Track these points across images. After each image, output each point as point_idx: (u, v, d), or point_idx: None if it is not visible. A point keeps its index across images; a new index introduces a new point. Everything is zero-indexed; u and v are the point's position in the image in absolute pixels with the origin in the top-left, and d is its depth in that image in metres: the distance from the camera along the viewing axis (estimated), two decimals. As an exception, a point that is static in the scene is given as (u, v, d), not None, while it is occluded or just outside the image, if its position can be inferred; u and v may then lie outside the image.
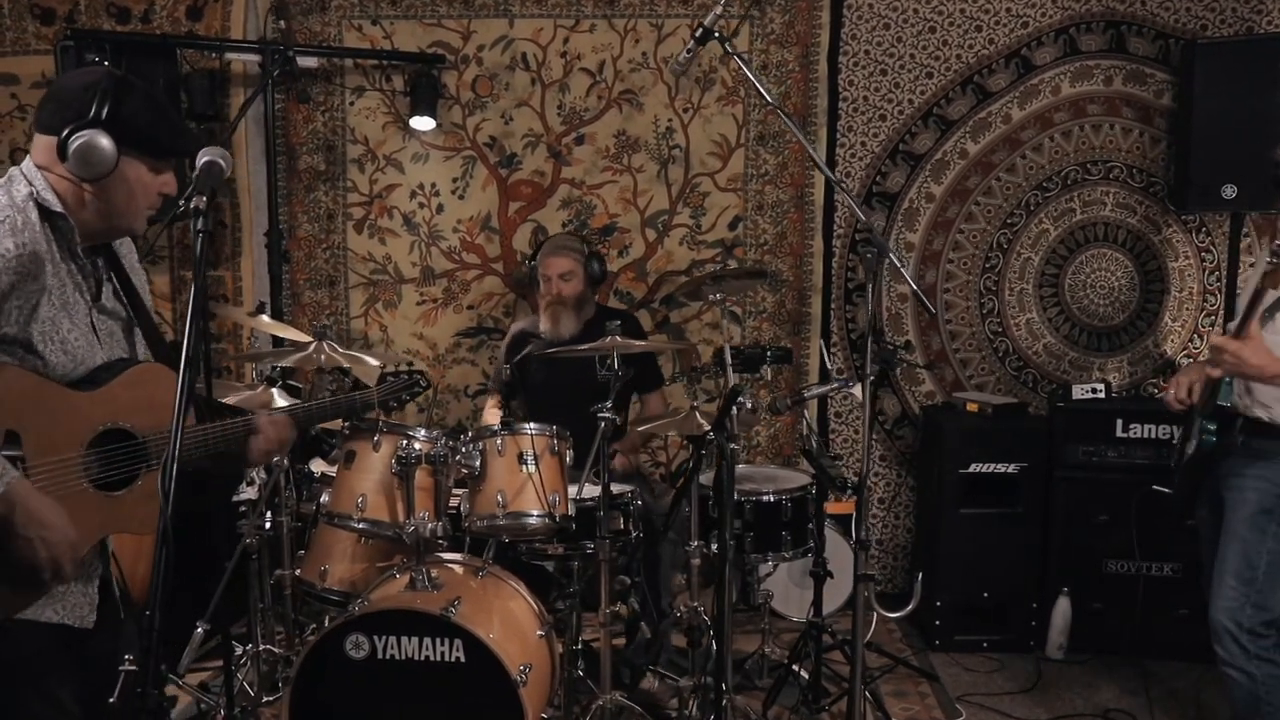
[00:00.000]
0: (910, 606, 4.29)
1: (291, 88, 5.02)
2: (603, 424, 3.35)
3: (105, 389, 2.21)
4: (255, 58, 4.80)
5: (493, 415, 4.46)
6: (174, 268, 5.21)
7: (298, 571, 3.84)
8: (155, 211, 2.31)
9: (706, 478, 3.86)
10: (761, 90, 3.23)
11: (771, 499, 4.01)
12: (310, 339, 3.64)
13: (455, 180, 5.13)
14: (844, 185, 3.67)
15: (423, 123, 4.98)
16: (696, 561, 3.83)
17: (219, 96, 5.04)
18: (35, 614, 2.19)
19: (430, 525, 3.37)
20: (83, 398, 2.19)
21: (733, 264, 5.07)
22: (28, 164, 2.21)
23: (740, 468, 4.13)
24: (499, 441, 3.48)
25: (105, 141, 2.13)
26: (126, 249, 2.44)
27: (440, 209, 5.15)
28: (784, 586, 4.76)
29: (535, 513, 3.44)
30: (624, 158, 5.10)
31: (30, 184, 2.18)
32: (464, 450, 3.48)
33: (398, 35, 5.02)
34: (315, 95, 5.08)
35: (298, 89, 4.94)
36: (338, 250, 5.19)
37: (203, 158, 2.11)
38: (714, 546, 3.88)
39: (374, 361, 3.91)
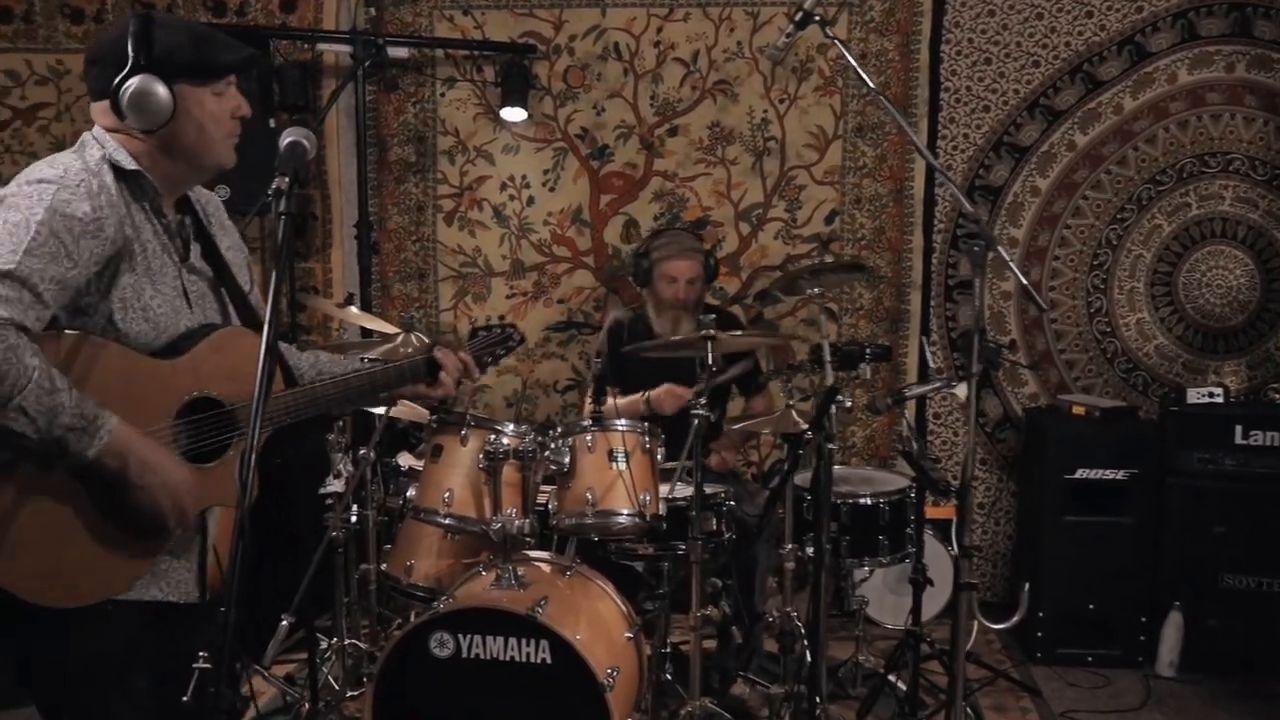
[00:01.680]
0: (1016, 618, 4.10)
1: (382, 78, 4.98)
2: (696, 421, 3.24)
3: (189, 356, 2.14)
4: (346, 48, 4.76)
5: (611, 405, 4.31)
6: (265, 259, 5.20)
7: (383, 566, 3.80)
8: (237, 138, 2.21)
9: (802, 479, 3.73)
10: (863, 75, 3.09)
11: (869, 502, 3.87)
12: (398, 331, 3.58)
13: (546, 172, 5.05)
14: (948, 175, 3.51)
15: (514, 114, 4.91)
16: (791, 565, 3.71)
17: (311, 88, 5.03)
18: (139, 593, 2.13)
19: (517, 522, 3.29)
20: (166, 366, 2.12)
21: (829, 259, 4.93)
22: (97, 129, 2.14)
23: (836, 469, 3.98)
24: (589, 438, 3.38)
25: (153, 83, 2.04)
26: (214, 206, 2.36)
27: (531, 201, 5.08)
28: (878, 592, 4.60)
29: (625, 512, 3.34)
30: (718, 150, 4.98)
31: (102, 146, 2.10)
32: (553, 446, 3.40)
33: (489, 25, 4.96)
34: (406, 86, 5.04)
35: (386, 77, 4.89)
36: (427, 243, 5.14)
37: (286, 138, 2.03)
38: (809, 550, 3.76)
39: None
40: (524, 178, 5.06)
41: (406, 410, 3.85)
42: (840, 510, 3.82)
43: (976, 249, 2.95)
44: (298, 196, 5.12)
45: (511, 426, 3.46)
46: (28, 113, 5.25)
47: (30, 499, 1.96)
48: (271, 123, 4.73)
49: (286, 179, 1.91)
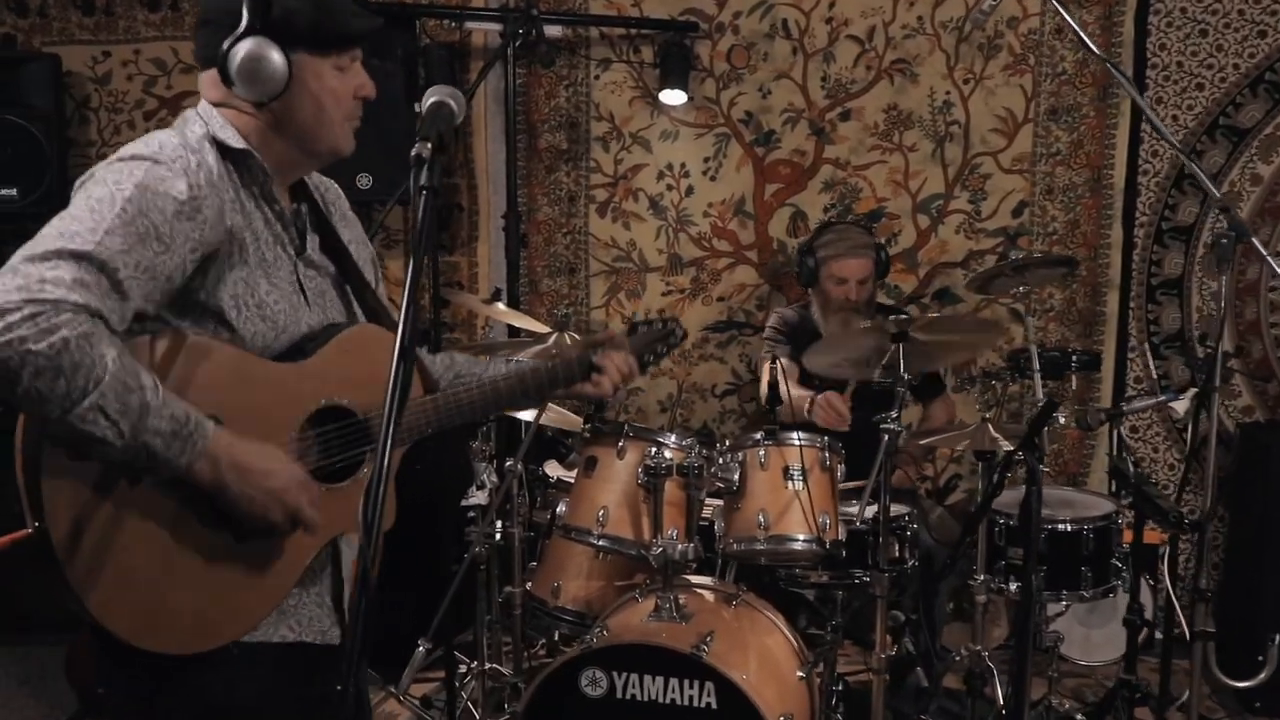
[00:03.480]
0: (1264, 675, 3.58)
1: (536, 55, 4.69)
2: (886, 437, 2.85)
3: (315, 359, 1.86)
4: (497, 27, 4.48)
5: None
6: (410, 251, 4.96)
7: (528, 585, 3.50)
8: (358, 121, 1.93)
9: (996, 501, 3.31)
10: (1084, 38, 2.67)
11: (1069, 528, 3.43)
12: (549, 329, 3.26)
13: (707, 160, 4.70)
14: (1191, 159, 3.03)
15: (673, 97, 4.57)
16: (982, 599, 3.30)
17: (460, 72, 4.79)
18: (267, 633, 1.87)
19: (680, 547, 2.95)
20: (290, 370, 1.84)
21: (1016, 255, 4.46)
22: (202, 104, 1.87)
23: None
24: (761, 453, 3.02)
25: (268, 48, 1.77)
26: (334, 195, 2.09)
27: (690, 191, 4.73)
28: (1065, 623, 4.13)
29: (801, 537, 2.97)
30: (894, 135, 4.56)
31: (205, 123, 1.83)
32: (721, 461, 3.05)
33: (647, 2, 4.63)
34: (558, 68, 4.74)
35: (541, 51, 4.58)
36: (579, 235, 4.84)
37: (429, 98, 1.72)
38: (1000, 581, 3.36)
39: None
40: (683, 166, 4.72)
41: (556, 418, 3.55)
42: (1036, 536, 3.37)
43: (1224, 241, 2.52)
44: (441, 179, 4.90)
45: (674, 438, 3.12)
46: (174, 101, 5.13)
47: (129, 522, 1.69)
48: (416, 107, 4.47)
49: (429, 145, 1.59)
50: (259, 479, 1.73)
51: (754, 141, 4.66)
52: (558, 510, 3.32)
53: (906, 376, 2.92)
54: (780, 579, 3.35)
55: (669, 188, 4.74)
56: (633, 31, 4.65)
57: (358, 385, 1.90)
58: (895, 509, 3.32)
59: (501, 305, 3.91)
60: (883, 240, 4.48)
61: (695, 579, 3.22)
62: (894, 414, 2.86)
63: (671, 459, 3.00)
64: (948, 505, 4.45)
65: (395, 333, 1.88)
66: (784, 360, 3.45)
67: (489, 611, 3.66)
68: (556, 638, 3.87)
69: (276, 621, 1.88)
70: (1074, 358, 3.33)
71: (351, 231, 2.09)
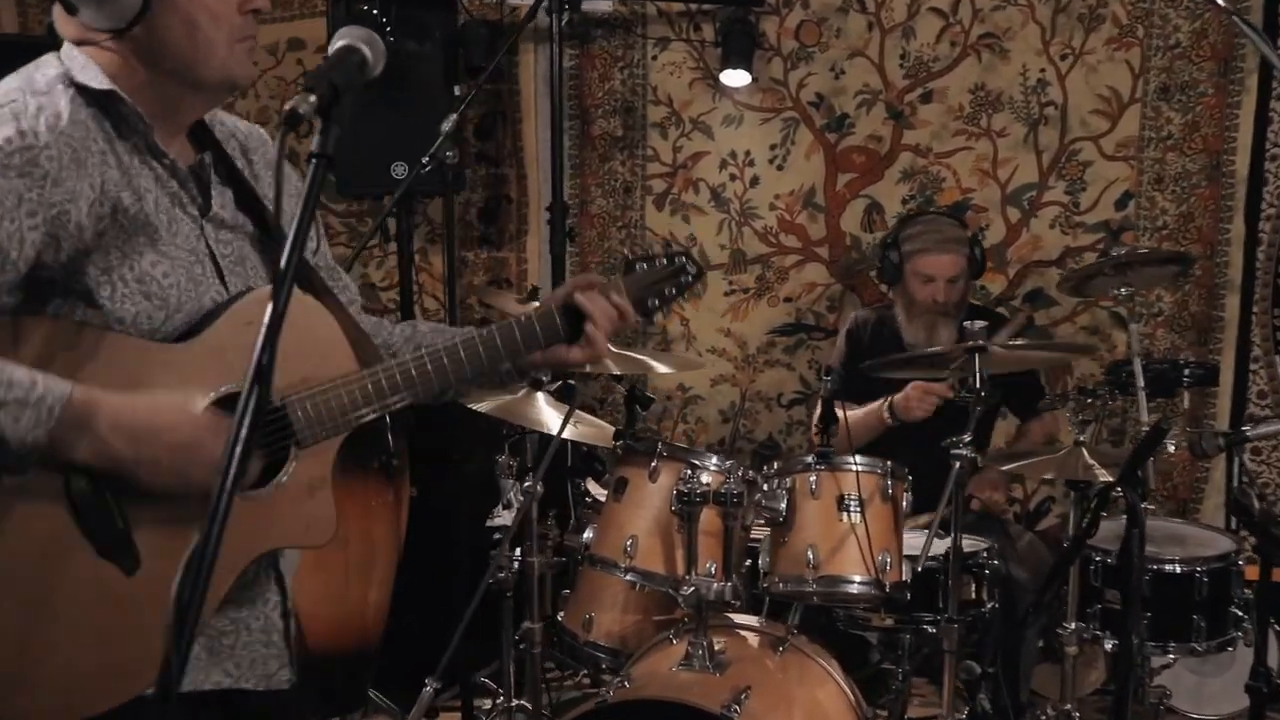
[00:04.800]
0: None
1: (585, 39, 4.33)
2: (958, 464, 2.42)
3: (207, 336, 1.52)
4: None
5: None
6: (452, 246, 4.63)
7: (560, 616, 3.14)
8: (250, 38, 1.57)
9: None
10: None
11: (1179, 570, 2.95)
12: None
13: (773, 147, 4.29)
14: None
15: (735, 78, 4.18)
16: (1073, 650, 2.85)
17: (508, 54, 4.45)
18: (194, 680, 1.55)
19: (715, 585, 2.56)
20: (177, 353, 1.50)
21: (1119, 252, 3.97)
22: (65, 45, 1.53)
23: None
24: (813, 479, 2.61)
25: None
26: (256, 140, 1.75)
27: (755, 181, 4.33)
28: (1175, 674, 3.64)
29: (857, 579, 2.57)
30: (981, 118, 4.10)
31: (62, 63, 1.49)
32: (766, 488, 2.65)
33: (709, -25, 4.24)
34: (613, 48, 4.37)
35: (574, 21, 4.17)
36: (635, 229, 4.47)
37: (337, 40, 1.34)
38: (1095, 628, 2.91)
39: (661, 367, 3.15)
40: (747, 154, 4.32)
41: (586, 432, 3.18)
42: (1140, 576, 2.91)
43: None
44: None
45: (715, 460, 2.73)
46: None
47: None
48: (457, 90, 4.14)
49: (312, 98, 1.21)
50: (158, 435, 1.40)
51: (825, 127, 4.24)
52: (585, 536, 2.97)
53: (983, 393, 2.48)
54: (838, 619, 2.95)
55: (732, 178, 4.35)
56: (693, 6, 4.27)
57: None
58: (973, 543, 2.90)
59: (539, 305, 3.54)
60: (973, 234, 4.03)
61: (739, 619, 2.83)
62: (965, 436, 2.42)
63: (708, 484, 2.60)
64: (1039, 531, 3.98)
65: (325, 298, 1.54)
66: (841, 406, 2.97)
67: (518, 645, 3.30)
68: (604, 666, 3.52)
69: (208, 665, 1.57)
70: (1186, 370, 2.86)
71: (285, 185, 1.74)
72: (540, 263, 4.50)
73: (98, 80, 1.48)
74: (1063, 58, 4.02)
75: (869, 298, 4.18)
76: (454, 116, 2.91)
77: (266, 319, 1.11)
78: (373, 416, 1.62)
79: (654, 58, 4.36)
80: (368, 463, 3.14)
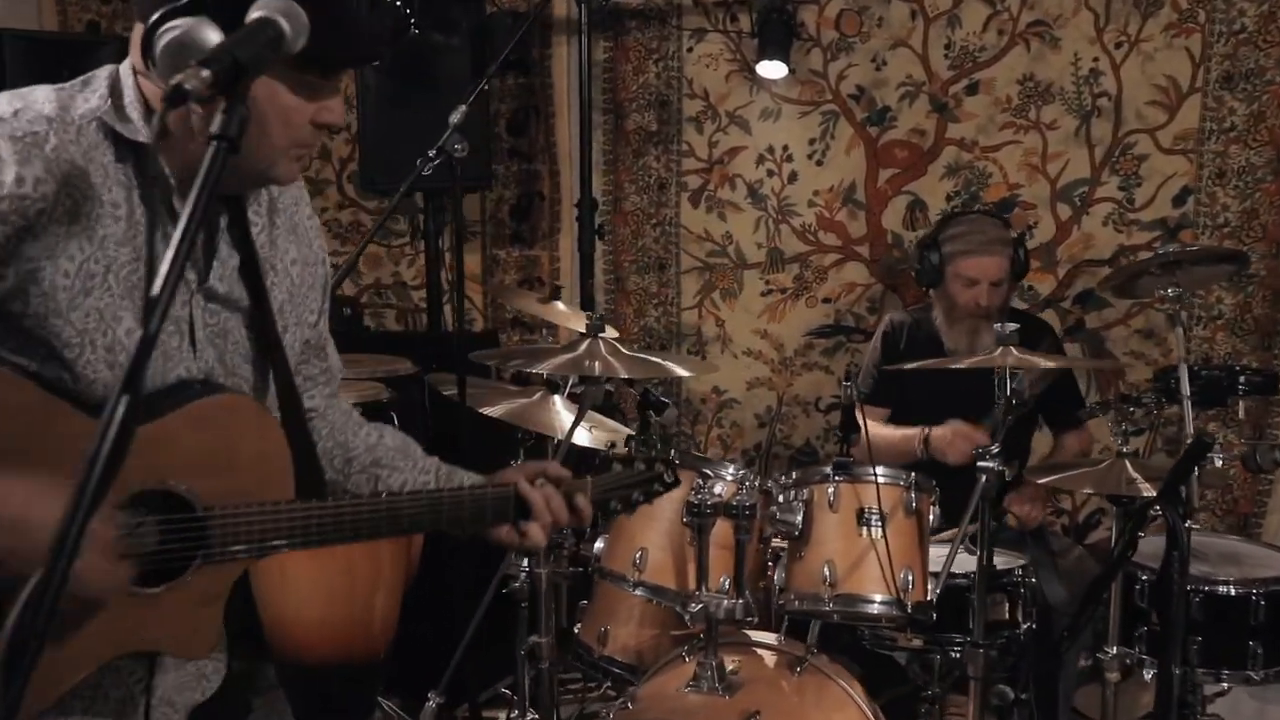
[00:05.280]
0: None
1: (619, 31, 4.20)
2: (983, 479, 2.25)
3: (158, 424, 1.39)
4: (573, -9, 4.00)
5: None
6: (485, 245, 4.55)
7: (577, 628, 3.01)
8: (307, 150, 1.47)
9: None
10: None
11: (1233, 591, 2.75)
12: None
13: (812, 142, 4.13)
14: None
15: (772, 69, 4.02)
16: (1114, 676, 2.66)
17: (540, 46, 4.34)
18: None
19: (726, 603, 2.42)
20: None
21: (1165, 249, 3.76)
22: (125, 64, 1.42)
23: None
24: (830, 491, 2.46)
25: (207, 32, 1.26)
26: (288, 199, 1.62)
27: (793, 177, 4.17)
28: (1233, 700, 3.43)
29: (878, 598, 2.41)
30: (1030, 110, 3.91)
31: (108, 96, 1.39)
32: (781, 500, 2.50)
33: (746, -38, 4.09)
34: (647, 40, 4.24)
35: (606, 11, 4.02)
36: (669, 227, 4.33)
37: (254, 11, 1.19)
38: (1140, 651, 2.72)
39: (679, 372, 3.00)
40: (785, 149, 4.16)
41: (611, 437, 3.05)
42: (1190, 600, 2.72)
43: None
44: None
45: (731, 469, 2.58)
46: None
47: None
48: (484, 86, 4.03)
49: (206, 73, 1.07)
50: (28, 530, 1.23)
51: (866, 120, 4.06)
52: (597, 547, 2.84)
53: (1014, 401, 2.31)
54: (863, 638, 2.79)
55: (769, 173, 4.19)
56: (728, -4, 4.12)
57: (206, 469, 1.43)
58: (1007, 559, 2.73)
59: (561, 305, 3.42)
60: (1017, 234, 3.84)
61: (757, 635, 2.68)
62: (993, 448, 2.25)
63: (720, 495, 2.46)
64: (1088, 545, 3.77)
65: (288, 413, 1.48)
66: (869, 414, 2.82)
67: (535, 660, 3.17)
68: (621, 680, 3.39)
69: None
70: (1243, 378, 2.66)
71: (299, 249, 1.63)
72: (573, 261, 4.37)
73: (132, 131, 1.38)
74: (1117, 45, 3.81)
75: (911, 299, 4.01)
76: (463, 108, 2.80)
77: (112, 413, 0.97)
78: (286, 549, 1.52)
79: (689, 49, 4.22)
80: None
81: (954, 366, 2.66)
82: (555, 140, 4.40)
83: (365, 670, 3.15)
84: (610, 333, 3.59)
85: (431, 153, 2.75)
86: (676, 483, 1.96)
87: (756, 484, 2.55)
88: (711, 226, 4.29)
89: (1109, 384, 3.89)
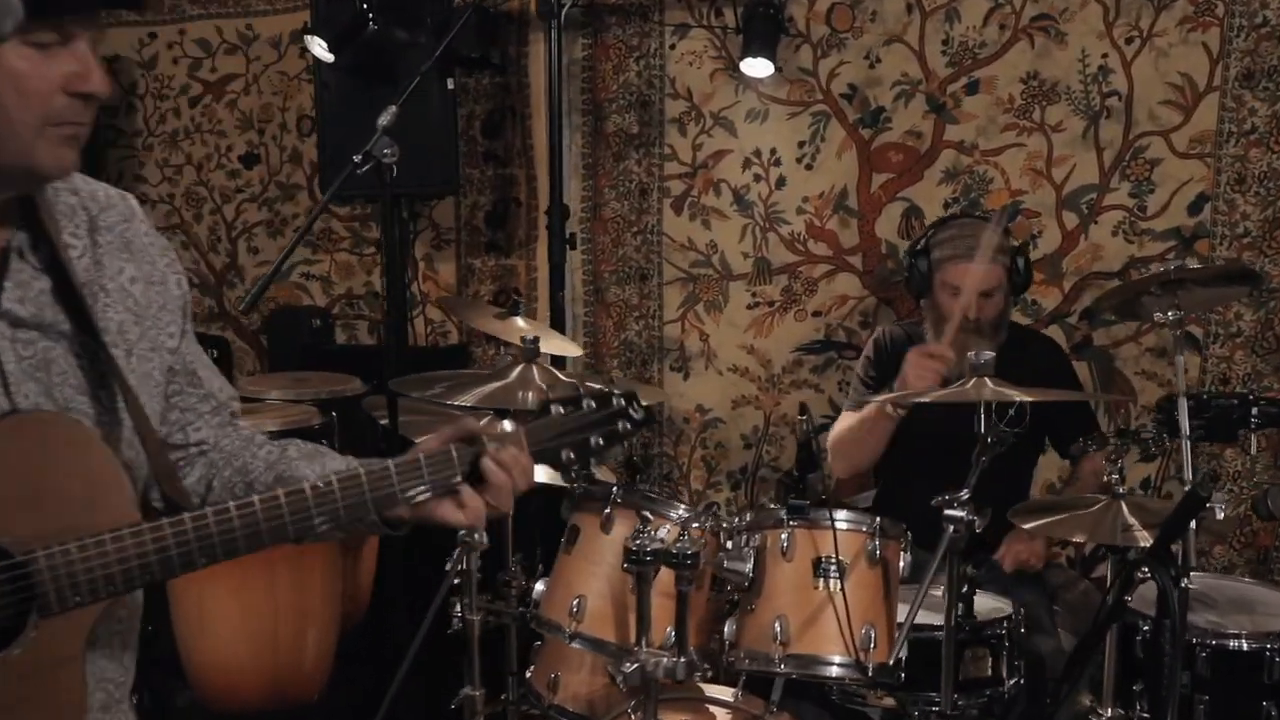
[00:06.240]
0: None
1: (598, 28, 3.96)
2: (950, 529, 1.99)
3: None
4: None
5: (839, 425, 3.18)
6: (460, 254, 4.32)
7: (529, 673, 2.77)
8: (73, 125, 1.26)
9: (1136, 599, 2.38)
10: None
11: (1245, 646, 2.46)
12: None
13: (801, 145, 3.87)
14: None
15: (757, 67, 3.76)
16: (1111, 741, 2.39)
17: (517, 44, 4.12)
18: None
19: (666, 661, 2.16)
20: None
21: (1193, 263, 3.48)
22: None
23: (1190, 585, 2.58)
24: (784, 537, 2.20)
25: None
26: (115, 216, 1.43)
27: (781, 183, 3.91)
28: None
29: (837, 659, 2.14)
30: (1034, 111, 3.63)
31: None
32: (730, 546, 2.24)
33: (731, -47, 3.83)
34: (628, 38, 3.99)
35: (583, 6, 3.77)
36: (651, 235, 4.08)
37: None
38: (1140, 712, 2.44)
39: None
40: (773, 152, 3.90)
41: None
42: (1195, 653, 2.44)
43: None
44: (497, 173, 4.22)
45: (681, 510, 2.33)
46: (218, 85, 4.64)
47: None
48: (450, 84, 3.81)
49: None
50: None
51: (859, 121, 3.80)
52: (537, 588, 2.59)
53: (990, 439, 2.05)
54: (830, 693, 2.53)
55: (756, 178, 3.93)
56: (713, -12, 3.87)
57: (17, 506, 1.23)
58: (993, 608, 2.47)
59: (521, 320, 3.17)
60: (1018, 243, 3.57)
61: (712, 690, 2.44)
62: (963, 493, 1.99)
63: (664, 539, 2.20)
64: (1095, 579, 3.49)
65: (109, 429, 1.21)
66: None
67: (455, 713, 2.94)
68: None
69: None
70: (1255, 409, 2.37)
71: (137, 267, 1.43)
72: (552, 271, 4.13)
73: None
74: (1128, 41, 3.53)
75: (905, 312, 3.74)
76: (393, 108, 2.56)
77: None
78: (145, 583, 1.31)
79: (672, 46, 3.97)
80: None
81: (917, 400, 2.39)
82: (532, 143, 4.17)
83: (298, 713, 2.93)
84: (572, 351, 3.36)
85: (358, 157, 2.50)
86: (647, 419, 1.65)
87: (709, 526, 2.30)
88: (695, 235, 4.03)
89: (1119, 407, 3.61)
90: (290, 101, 4.52)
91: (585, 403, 1.59)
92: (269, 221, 4.63)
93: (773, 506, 2.22)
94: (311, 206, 4.54)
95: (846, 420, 3.07)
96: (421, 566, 3.08)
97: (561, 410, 1.58)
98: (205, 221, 4.75)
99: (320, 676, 2.92)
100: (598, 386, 1.62)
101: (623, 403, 1.62)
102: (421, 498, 1.45)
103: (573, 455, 1.58)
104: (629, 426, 1.63)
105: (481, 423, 1.54)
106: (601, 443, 1.61)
